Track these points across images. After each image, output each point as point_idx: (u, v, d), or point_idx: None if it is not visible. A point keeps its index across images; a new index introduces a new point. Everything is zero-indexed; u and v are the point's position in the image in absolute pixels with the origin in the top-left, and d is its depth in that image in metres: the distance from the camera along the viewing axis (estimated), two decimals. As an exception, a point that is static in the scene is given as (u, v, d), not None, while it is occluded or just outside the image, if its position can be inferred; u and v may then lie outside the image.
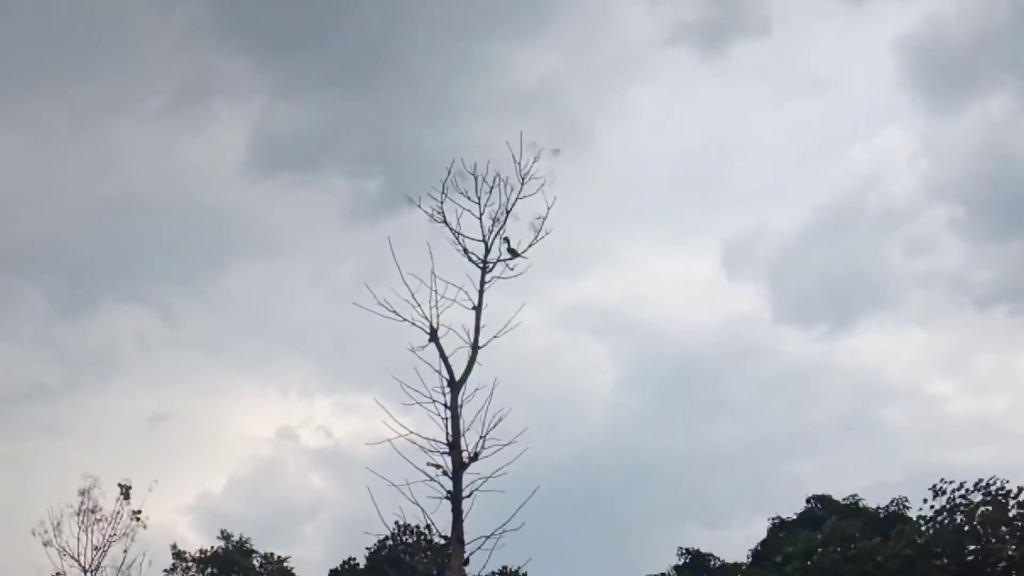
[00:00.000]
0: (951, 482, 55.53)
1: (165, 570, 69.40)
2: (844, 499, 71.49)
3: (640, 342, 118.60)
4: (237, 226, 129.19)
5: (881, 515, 67.93)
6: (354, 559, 70.86)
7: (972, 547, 54.05)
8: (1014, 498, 53.95)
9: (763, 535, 72.57)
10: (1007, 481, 54.68)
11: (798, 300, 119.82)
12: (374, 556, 68.94)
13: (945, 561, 54.02)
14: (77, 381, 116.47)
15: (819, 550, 60.37)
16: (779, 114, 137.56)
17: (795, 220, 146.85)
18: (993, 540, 53.48)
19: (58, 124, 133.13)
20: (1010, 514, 53.78)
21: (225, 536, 72.93)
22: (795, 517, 72.23)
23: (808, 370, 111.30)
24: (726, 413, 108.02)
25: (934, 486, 56.02)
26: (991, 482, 54.77)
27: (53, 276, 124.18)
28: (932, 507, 56.24)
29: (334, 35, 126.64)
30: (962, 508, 54.74)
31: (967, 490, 55.08)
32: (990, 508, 53.79)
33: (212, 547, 71.81)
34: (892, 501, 68.43)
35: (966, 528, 54.56)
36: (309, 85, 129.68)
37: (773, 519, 73.10)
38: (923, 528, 56.17)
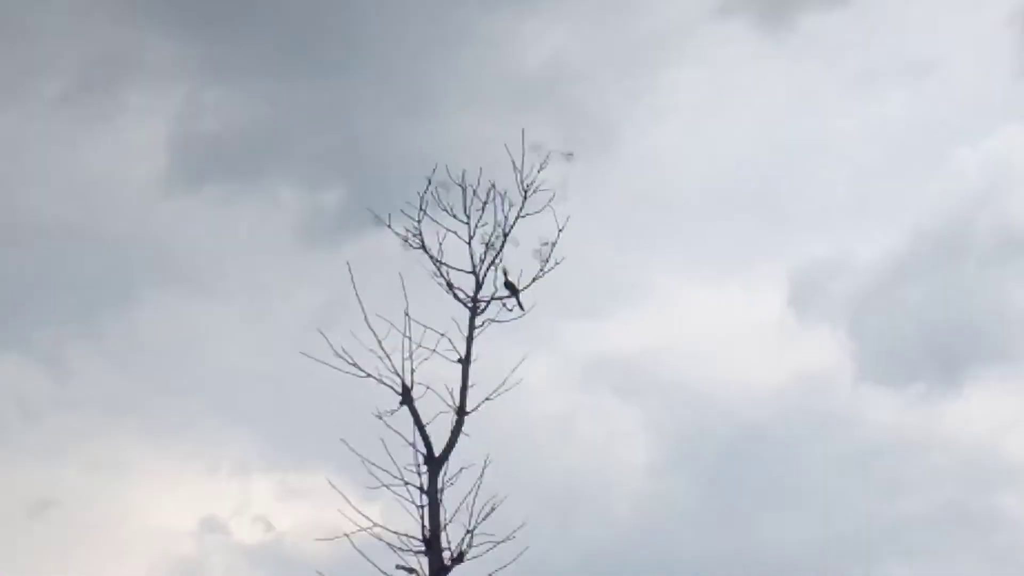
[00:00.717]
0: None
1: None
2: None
3: (679, 406, 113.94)
4: (151, 251, 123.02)
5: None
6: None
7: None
8: None
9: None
10: None
11: (888, 352, 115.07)
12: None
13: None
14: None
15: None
16: (862, 108, 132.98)
17: (884, 246, 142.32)
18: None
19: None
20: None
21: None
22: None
23: (901, 444, 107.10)
24: (792, 502, 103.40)
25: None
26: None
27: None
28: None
29: (281, 3, 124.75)
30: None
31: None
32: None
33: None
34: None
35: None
36: (247, 67, 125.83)
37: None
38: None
